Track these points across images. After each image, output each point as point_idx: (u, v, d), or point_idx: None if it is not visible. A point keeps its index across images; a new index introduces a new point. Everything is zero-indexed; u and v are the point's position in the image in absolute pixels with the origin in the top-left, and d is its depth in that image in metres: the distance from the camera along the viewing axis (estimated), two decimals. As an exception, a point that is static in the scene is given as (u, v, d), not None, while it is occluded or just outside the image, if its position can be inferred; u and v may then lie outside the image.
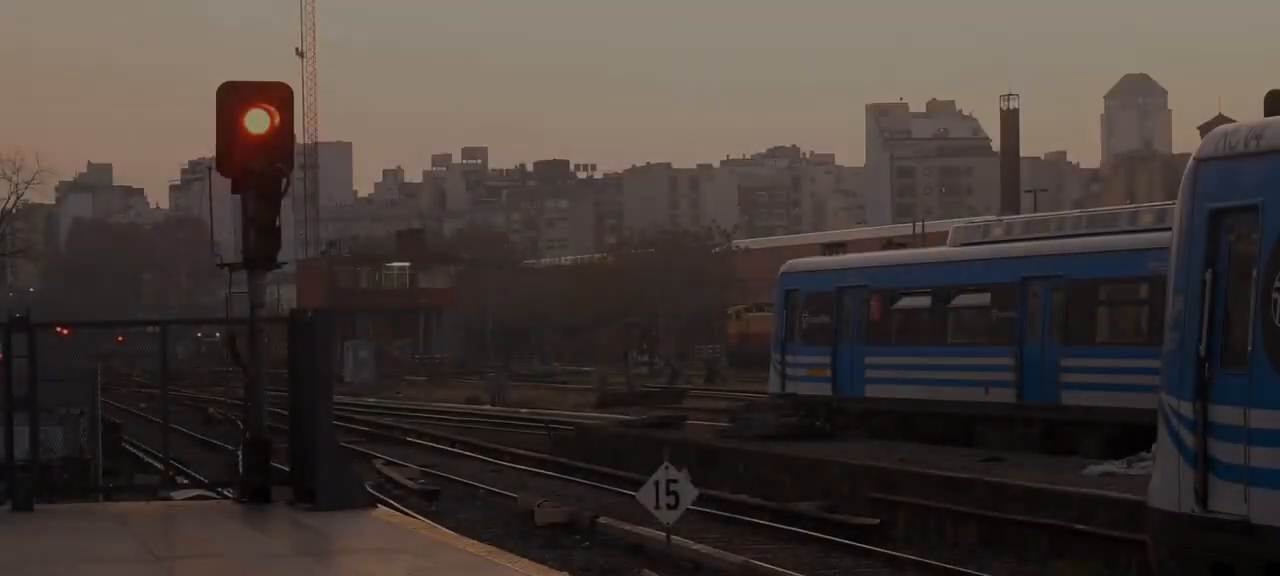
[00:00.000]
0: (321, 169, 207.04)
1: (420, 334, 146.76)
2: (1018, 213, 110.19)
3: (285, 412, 20.91)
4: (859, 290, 41.67)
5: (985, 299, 37.43)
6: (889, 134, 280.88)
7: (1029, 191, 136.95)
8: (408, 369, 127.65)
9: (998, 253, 38.01)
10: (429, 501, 36.11)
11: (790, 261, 47.52)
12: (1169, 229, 33.58)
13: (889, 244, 45.76)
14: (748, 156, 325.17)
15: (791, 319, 44.14)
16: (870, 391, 40.82)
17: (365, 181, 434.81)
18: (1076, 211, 39.84)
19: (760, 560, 25.44)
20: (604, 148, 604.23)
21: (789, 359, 44.02)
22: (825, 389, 42.24)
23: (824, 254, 46.70)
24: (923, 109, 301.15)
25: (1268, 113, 16.03)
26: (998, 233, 39.57)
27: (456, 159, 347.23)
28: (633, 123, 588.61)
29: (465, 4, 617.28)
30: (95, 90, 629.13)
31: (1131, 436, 32.73)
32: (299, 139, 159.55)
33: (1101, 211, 39.08)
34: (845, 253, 46.77)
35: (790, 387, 43.98)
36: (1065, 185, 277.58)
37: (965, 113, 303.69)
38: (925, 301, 39.50)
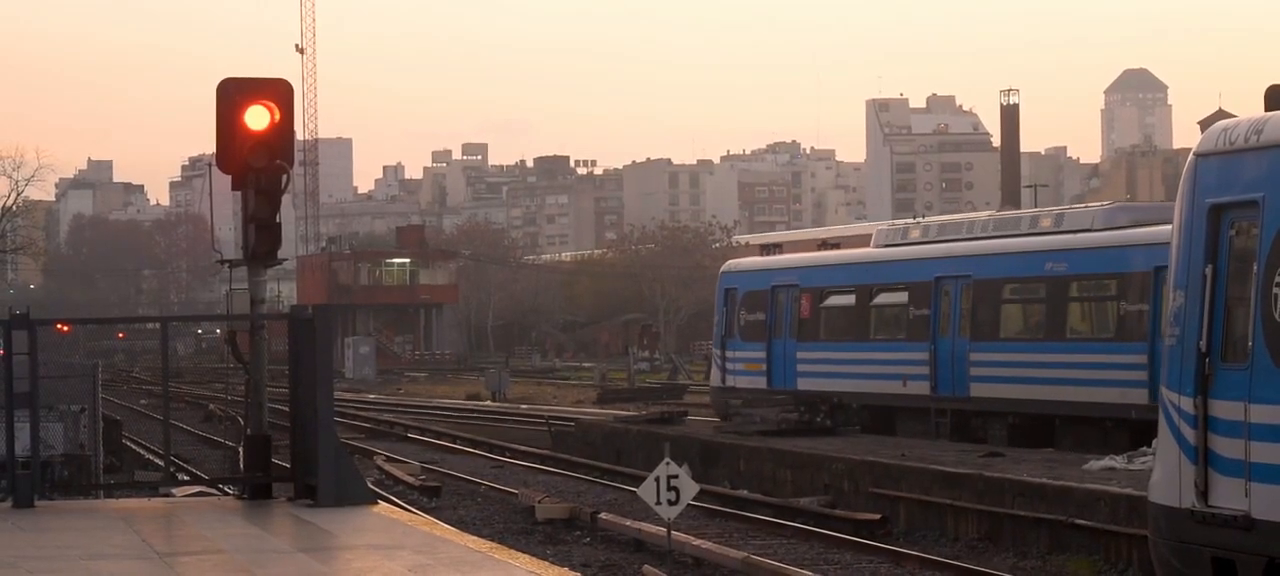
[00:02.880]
0: (322, 165, 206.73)
1: (421, 330, 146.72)
2: (1018, 208, 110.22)
3: (286, 409, 20.91)
4: (791, 289, 43.78)
5: (903, 297, 39.50)
6: (889, 129, 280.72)
7: (1029, 186, 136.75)
8: (408, 365, 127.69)
9: (914, 254, 39.87)
10: (430, 497, 36.10)
11: (729, 261, 50.71)
12: (1066, 232, 35.42)
13: (824, 244, 48.01)
14: (748, 152, 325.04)
15: (730, 316, 46.25)
16: (802, 384, 42.76)
17: (365, 178, 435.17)
18: (985, 215, 42.65)
19: (761, 556, 25.42)
20: (604, 143, 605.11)
21: (728, 354, 46.24)
22: (761, 382, 44.38)
23: (761, 254, 48.97)
24: (923, 104, 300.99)
25: (1268, 107, 16.02)
26: (915, 235, 41.35)
27: (457, 155, 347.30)
28: (633, 118, 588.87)
29: (466, 1, 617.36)
30: (96, 87, 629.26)
31: (1033, 425, 34.91)
32: (299, 135, 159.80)
33: (1007, 215, 41.58)
34: (781, 253, 49.25)
35: (729, 381, 46.15)
36: (1065, 180, 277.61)
37: (965, 108, 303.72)
38: (850, 300, 41.62)
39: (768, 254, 48.86)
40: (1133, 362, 32.48)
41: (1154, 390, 31.61)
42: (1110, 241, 34.04)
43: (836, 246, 47.80)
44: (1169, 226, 34.43)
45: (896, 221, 46.31)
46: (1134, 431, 32.41)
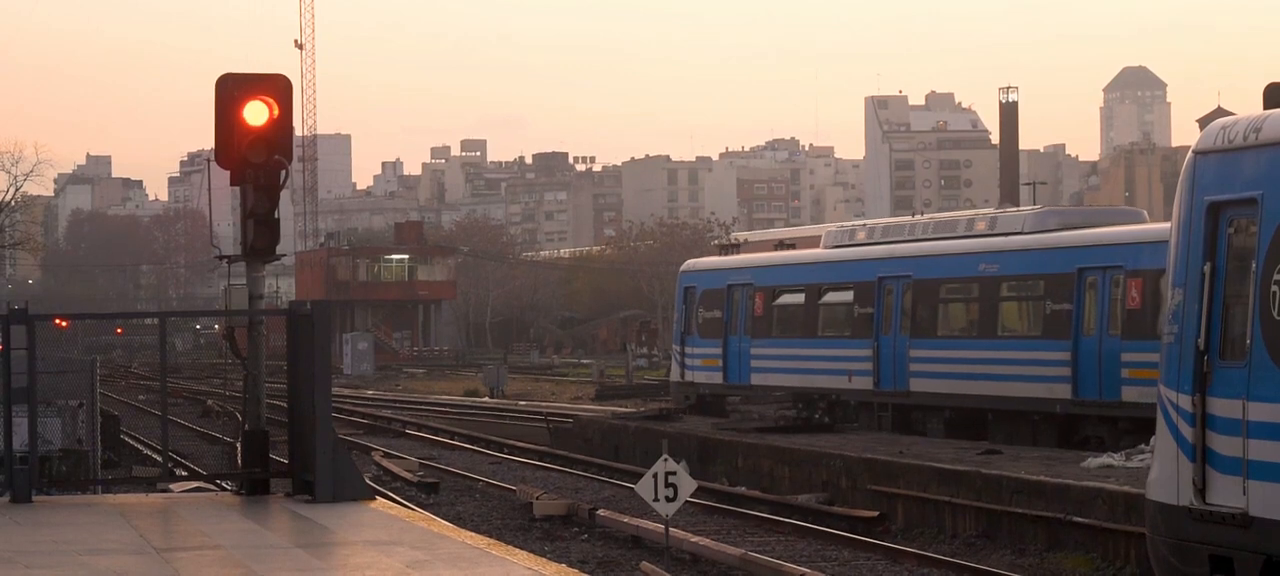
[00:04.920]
0: (320, 161, 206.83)
1: (419, 326, 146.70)
2: (1017, 205, 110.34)
3: (284, 405, 20.90)
4: (746, 288, 45.28)
5: (849, 296, 41.00)
6: (888, 126, 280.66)
7: (1027, 184, 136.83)
8: (406, 361, 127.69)
9: (859, 254, 41.32)
10: (428, 493, 36.11)
11: (689, 261, 52.90)
12: (998, 235, 36.56)
13: (779, 245, 49.30)
14: (747, 149, 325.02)
15: (689, 313, 47.82)
16: (755, 379, 44.27)
17: (364, 174, 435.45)
18: (926, 217, 44.36)
19: (759, 553, 25.40)
20: (603, 140, 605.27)
21: (687, 350, 47.82)
22: (717, 377, 46.03)
23: (720, 254, 50.57)
24: (922, 101, 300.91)
25: (1267, 105, 16.02)
26: (861, 236, 42.66)
27: (455, 151, 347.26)
28: (632, 115, 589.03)
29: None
30: (95, 82, 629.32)
31: (968, 419, 36.31)
32: (298, 131, 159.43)
33: (946, 218, 42.76)
34: (739, 253, 50.54)
35: (688, 376, 47.74)
36: (1064, 178, 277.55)
37: (964, 105, 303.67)
38: (800, 298, 43.15)
39: (725, 254, 50.40)
40: (1058, 359, 33.73)
41: (1077, 386, 32.97)
42: (1038, 244, 35.58)
43: (791, 247, 48.92)
44: (1092, 230, 36.14)
45: (844, 223, 48.43)
46: (1060, 425, 33.87)
